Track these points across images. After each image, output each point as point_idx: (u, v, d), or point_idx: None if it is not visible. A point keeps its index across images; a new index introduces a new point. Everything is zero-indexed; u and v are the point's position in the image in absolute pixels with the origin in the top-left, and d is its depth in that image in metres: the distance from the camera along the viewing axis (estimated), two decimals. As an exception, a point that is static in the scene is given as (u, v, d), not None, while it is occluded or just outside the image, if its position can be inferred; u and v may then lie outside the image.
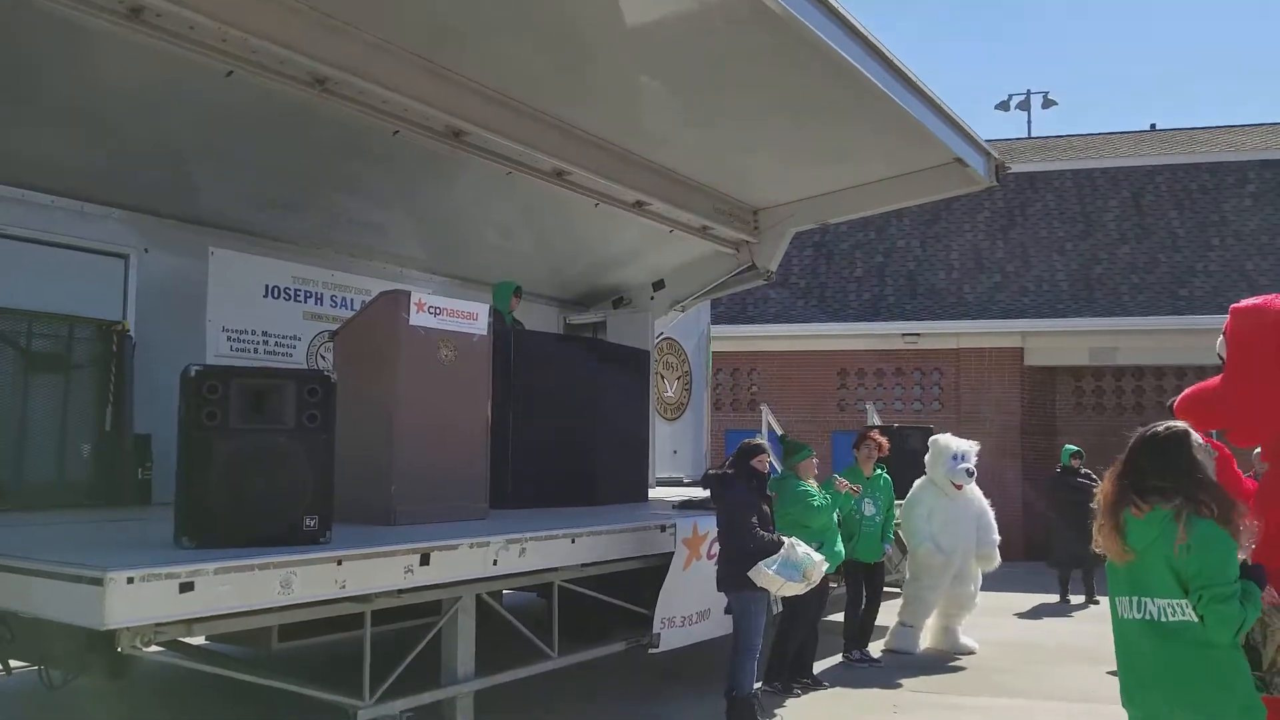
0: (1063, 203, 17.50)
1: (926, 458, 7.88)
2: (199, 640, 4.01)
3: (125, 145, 5.99)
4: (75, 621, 3.19)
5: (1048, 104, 25.24)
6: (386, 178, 7.12)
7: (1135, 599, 2.69)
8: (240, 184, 6.74)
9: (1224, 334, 3.15)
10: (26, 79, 5.26)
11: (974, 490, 7.92)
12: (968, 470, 7.76)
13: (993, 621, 9.05)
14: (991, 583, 11.43)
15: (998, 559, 7.97)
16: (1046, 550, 11.42)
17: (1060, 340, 15.79)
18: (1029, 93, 25.34)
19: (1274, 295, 3.17)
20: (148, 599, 3.14)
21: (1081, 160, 18.20)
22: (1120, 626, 2.76)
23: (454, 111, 6.38)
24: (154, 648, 3.58)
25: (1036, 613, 10.06)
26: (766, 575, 5.17)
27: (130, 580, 3.09)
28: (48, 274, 6.05)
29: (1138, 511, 2.67)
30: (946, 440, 7.87)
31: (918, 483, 7.85)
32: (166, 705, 5.79)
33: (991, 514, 8.04)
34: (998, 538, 7.98)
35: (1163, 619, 2.64)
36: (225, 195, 6.79)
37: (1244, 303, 3.20)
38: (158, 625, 3.30)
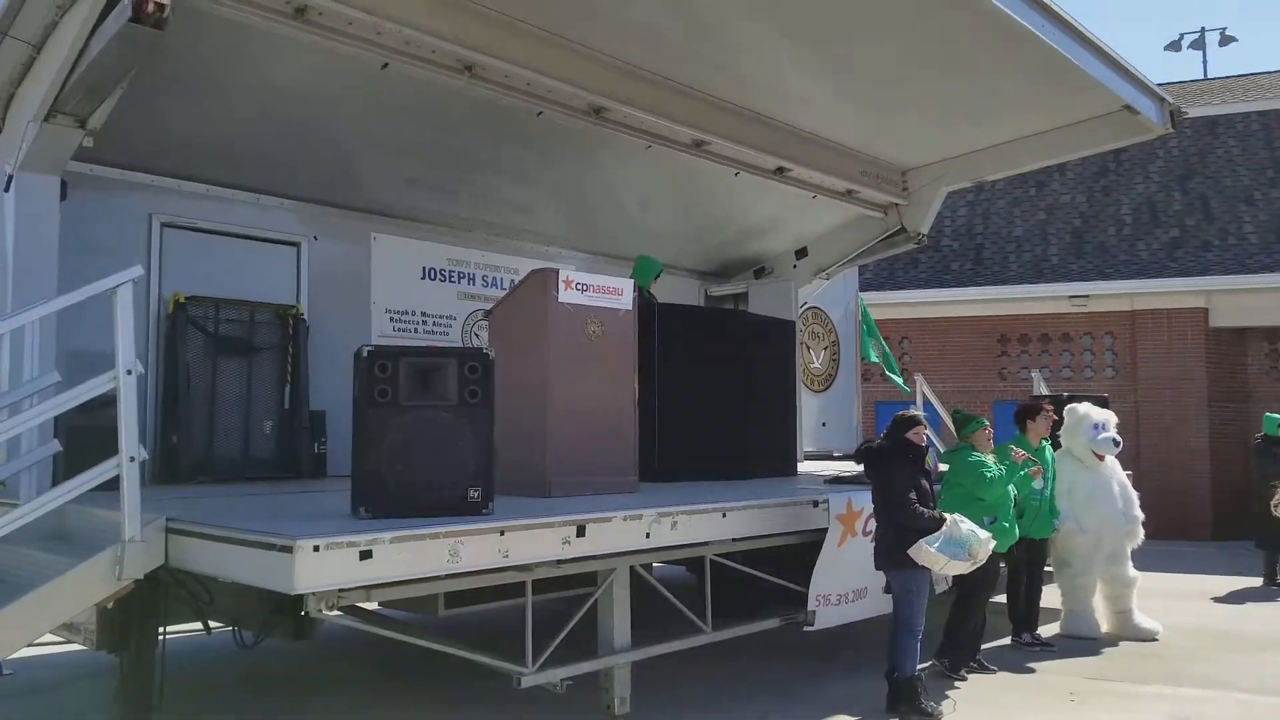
0: (1248, 148, 15.93)
1: (1063, 428, 7.34)
2: (373, 606, 4.26)
3: (294, 138, 6.38)
4: (268, 586, 3.43)
5: (1225, 41, 23.05)
6: (532, 158, 7.29)
7: None
8: (398, 171, 7.07)
9: None
10: (206, 81, 5.67)
11: (1113, 461, 7.35)
12: (1114, 440, 7.21)
13: (1183, 606, 8.38)
14: (1181, 564, 10.69)
15: (1141, 534, 7.41)
16: (1252, 528, 10.46)
17: (1251, 299, 14.38)
18: (1203, 30, 23.17)
19: None
20: (332, 566, 3.36)
21: (1268, 100, 16.46)
22: None
23: (594, 89, 6.45)
24: (335, 612, 3.83)
25: (1235, 597, 9.22)
26: (929, 553, 4.97)
27: (317, 549, 3.32)
28: (230, 263, 6.56)
29: None
30: (1086, 409, 7.33)
31: (1056, 456, 7.18)
32: (345, 666, 6.21)
33: (1131, 486, 7.46)
34: (1140, 513, 7.40)
35: None
36: (384, 183, 7.14)
37: None
38: (341, 590, 3.53)
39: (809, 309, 10.18)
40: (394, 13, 5.37)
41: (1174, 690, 5.76)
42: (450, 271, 7.70)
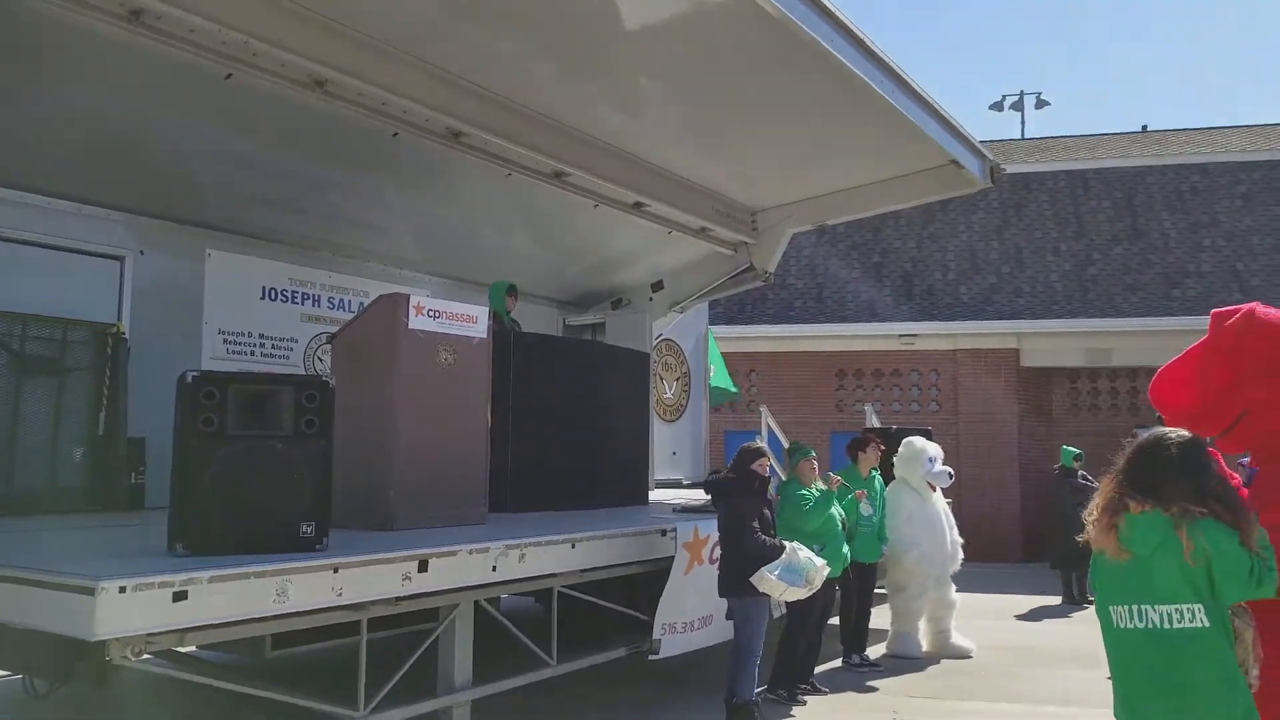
0: (1056, 204, 17.54)
1: (897, 460, 7.83)
2: (190, 647, 3.97)
3: (123, 147, 5.95)
4: (64, 632, 3.12)
5: (1041, 104, 25.30)
6: (386, 179, 7.10)
7: (1134, 607, 2.62)
8: (239, 186, 6.70)
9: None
10: (23, 81, 5.21)
11: (938, 491, 7.91)
12: (948, 473, 7.75)
13: (992, 624, 9.04)
14: (991, 584, 11.48)
15: (961, 558, 8.01)
16: (1048, 551, 11.42)
17: (1055, 341, 15.82)
18: (1022, 93, 25.46)
19: (1256, 304, 3.19)
20: (140, 609, 3.09)
21: (1075, 161, 18.23)
22: (1116, 637, 2.69)
23: (453, 113, 6.36)
24: (145, 656, 3.54)
25: (1035, 615, 10.05)
26: (769, 580, 5.14)
27: (123, 589, 3.04)
28: (42, 276, 6.00)
29: (1136, 509, 2.63)
30: (922, 443, 7.87)
31: (891, 487, 7.74)
32: (154, 715, 5.73)
33: (950, 513, 8.05)
34: (960, 539, 8.01)
35: (1165, 626, 2.58)
36: (223, 197, 6.75)
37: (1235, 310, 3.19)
38: (149, 635, 3.25)
39: (662, 340, 10.38)
40: (239, 22, 5.11)
41: (989, 706, 6.18)
42: (293, 292, 7.34)
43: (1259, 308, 3.14)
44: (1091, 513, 2.74)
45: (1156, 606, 2.59)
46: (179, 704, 5.66)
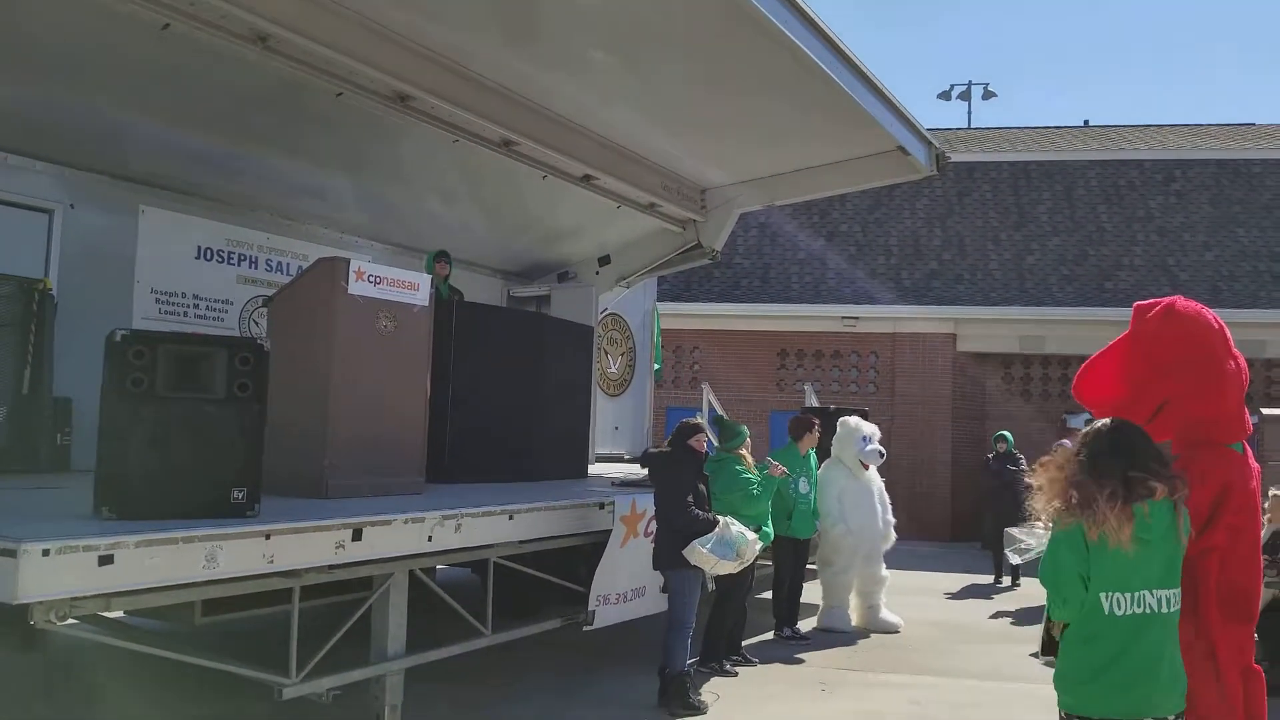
0: (998, 194, 17.90)
1: (835, 439, 8.01)
2: (118, 613, 3.90)
3: (54, 95, 5.72)
4: (-15, 594, 3.05)
5: (988, 95, 25.68)
6: (329, 140, 6.93)
7: (1134, 594, 2.63)
8: (176, 141, 6.49)
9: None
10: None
11: (873, 469, 8.11)
12: (879, 451, 7.94)
13: (922, 601, 9.30)
14: (921, 562, 11.81)
15: (893, 537, 8.23)
16: (980, 532, 11.77)
17: (992, 328, 16.23)
18: (970, 83, 25.77)
19: (1177, 298, 3.31)
20: (64, 572, 3.04)
21: (1018, 153, 18.60)
22: (1112, 623, 2.65)
23: (401, 75, 6.23)
24: (70, 621, 3.47)
25: (968, 593, 10.36)
26: (701, 554, 5.22)
27: (46, 552, 2.99)
28: (-38, 227, 5.77)
29: (1151, 499, 2.63)
30: (857, 422, 8.06)
31: (825, 464, 7.96)
32: (82, 681, 5.62)
33: (885, 492, 8.25)
34: (893, 518, 8.23)
35: (1162, 610, 2.65)
36: (159, 152, 6.53)
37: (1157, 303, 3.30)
38: (74, 600, 3.20)
39: (609, 315, 10.38)
40: (177, -29, 4.95)
41: (913, 679, 6.39)
42: (229, 253, 7.16)
43: (1179, 301, 3.26)
44: (1092, 499, 2.66)
45: (1155, 591, 2.64)
46: (108, 669, 5.57)
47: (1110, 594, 2.65)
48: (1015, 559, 7.98)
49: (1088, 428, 2.92)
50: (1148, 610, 2.63)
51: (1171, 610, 2.67)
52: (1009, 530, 8.06)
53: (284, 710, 4.27)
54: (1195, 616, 3.01)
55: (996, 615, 9.00)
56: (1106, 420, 2.88)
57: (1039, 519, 2.89)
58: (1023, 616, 8.75)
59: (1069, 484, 2.74)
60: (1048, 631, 3.04)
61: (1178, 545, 2.69)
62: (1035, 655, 6.51)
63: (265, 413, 3.86)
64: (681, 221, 9.40)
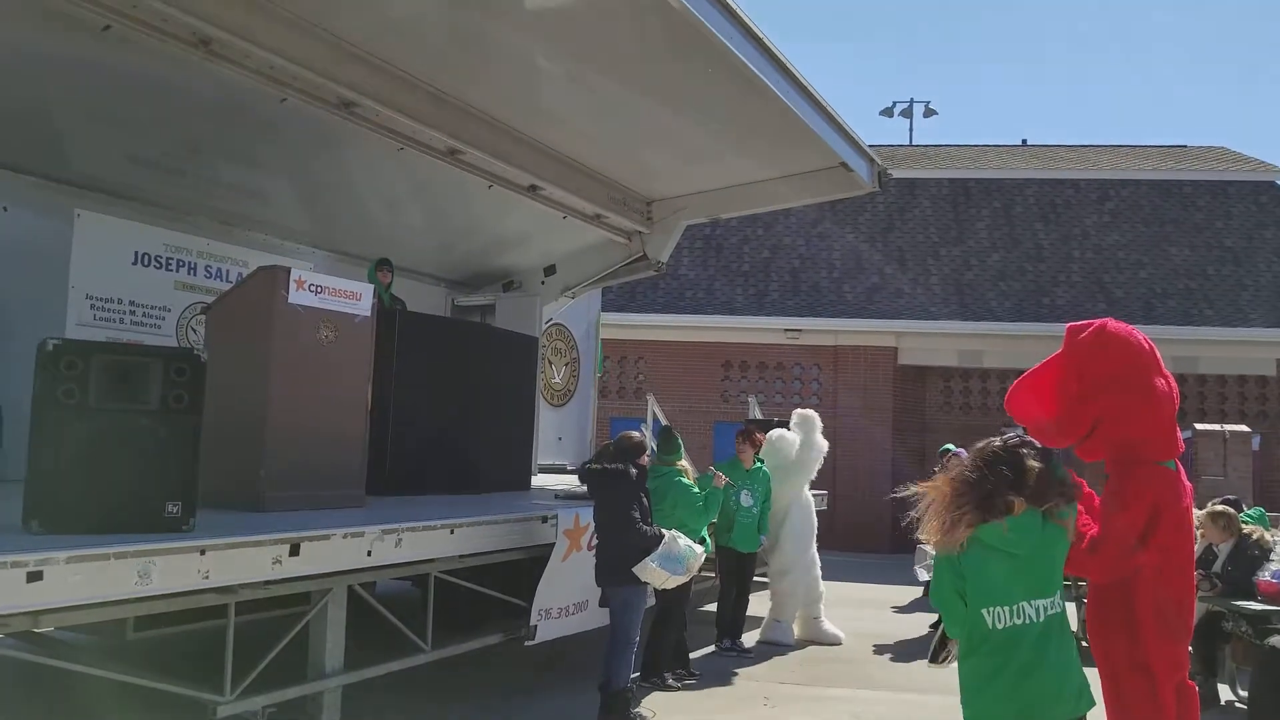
0: (939, 210, 18.34)
1: (787, 447, 8.13)
2: (49, 628, 3.80)
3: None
4: (-95, 611, 2.96)
5: (929, 113, 26.25)
6: (271, 146, 6.84)
7: (1014, 606, 2.72)
8: (113, 144, 6.35)
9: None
10: None
11: None
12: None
13: (865, 613, 9.41)
14: (861, 574, 11.96)
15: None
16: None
17: (931, 341, 16.62)
18: (912, 101, 26.34)
19: (1108, 319, 3.42)
20: (-10, 588, 2.95)
21: (958, 170, 19.09)
22: (992, 635, 2.73)
23: (345, 82, 6.18)
24: (-3, 636, 3.38)
25: (910, 607, 10.48)
26: (652, 570, 5.23)
27: (-30, 568, 2.90)
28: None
29: (1016, 510, 2.74)
30: (789, 434, 8.19)
31: (774, 471, 8.01)
32: (10, 699, 5.44)
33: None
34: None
35: (1040, 618, 2.73)
36: (96, 155, 6.39)
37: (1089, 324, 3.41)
38: (1, 617, 3.11)
39: (553, 325, 10.38)
40: (116, -28, 4.86)
41: (854, 693, 6.48)
42: (168, 259, 6.99)
43: (1110, 323, 3.37)
44: (948, 516, 2.78)
45: (1038, 599, 2.74)
46: (38, 686, 5.40)
47: (991, 608, 2.75)
48: (923, 575, 8.18)
49: (974, 447, 2.99)
50: (1027, 620, 2.72)
51: (1047, 616, 2.75)
52: (921, 546, 8.24)
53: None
54: (1130, 634, 3.10)
55: (937, 625, 9.14)
56: (1009, 435, 2.98)
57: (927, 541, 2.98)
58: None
59: (940, 501, 2.87)
60: (941, 640, 3.15)
61: (1053, 554, 2.79)
62: (927, 663, 6.69)
63: (201, 425, 3.80)
64: (627, 233, 9.46)
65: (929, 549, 3.25)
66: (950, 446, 11.63)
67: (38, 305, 6.09)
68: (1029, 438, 3.03)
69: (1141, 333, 3.37)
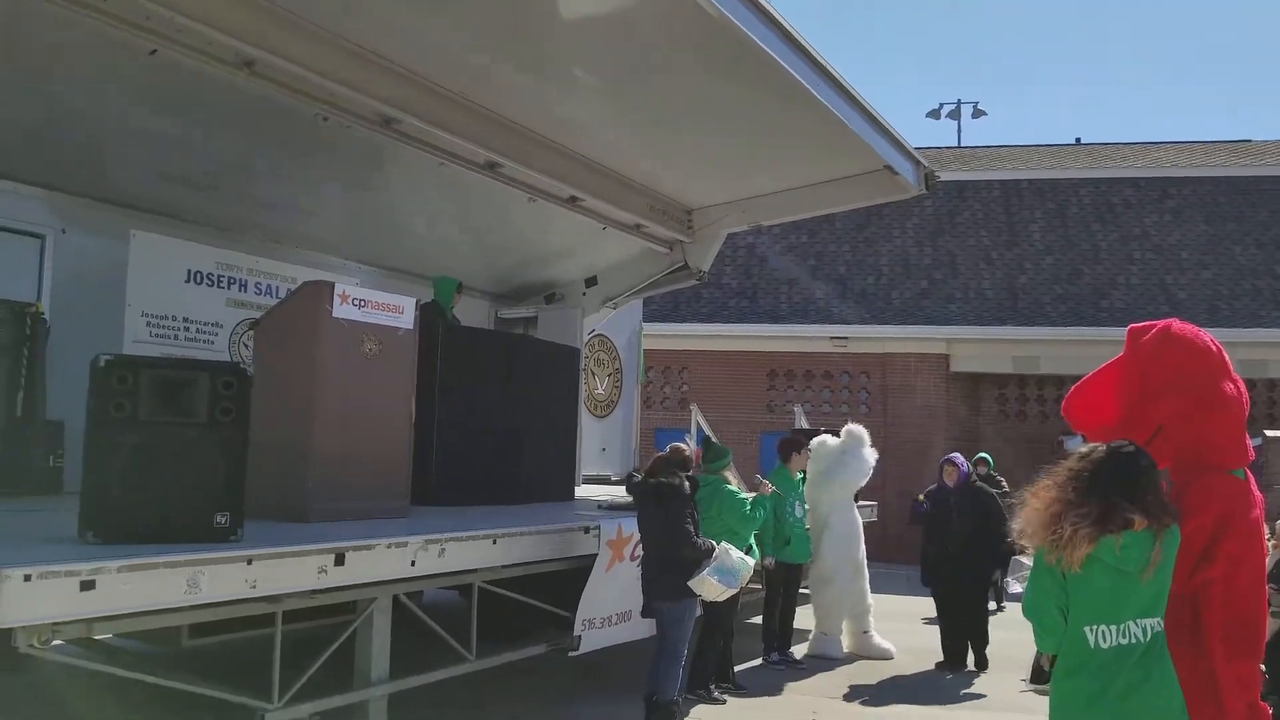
0: (990, 212, 18.00)
1: (827, 457, 8.04)
2: (106, 636, 3.90)
3: (45, 121, 5.79)
4: (-33, 619, 3.06)
5: (977, 114, 25.88)
6: (316, 164, 7.00)
7: (1120, 626, 2.60)
8: (164, 165, 6.56)
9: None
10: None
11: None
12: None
13: (916, 627, 9.19)
14: (916, 588, 11.67)
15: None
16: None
17: (985, 348, 16.26)
18: (959, 102, 26.06)
19: (1173, 320, 3.28)
20: (46, 597, 3.04)
21: (1009, 171, 18.72)
22: (1097, 655, 2.60)
23: (386, 99, 6.29)
24: (54, 644, 3.48)
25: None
26: (708, 583, 5.16)
27: (28, 578, 2.99)
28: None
29: (1136, 527, 2.57)
30: (833, 441, 8.09)
31: (812, 482, 7.92)
32: (67, 705, 5.59)
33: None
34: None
35: (1146, 638, 2.61)
36: (149, 176, 6.60)
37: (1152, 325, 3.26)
38: (56, 624, 3.21)
39: (595, 336, 10.41)
40: (164, -3, 5.01)
41: (907, 709, 6.33)
42: (219, 276, 7.20)
43: (1175, 323, 3.19)
44: (1067, 528, 2.61)
45: (1141, 620, 2.60)
46: (94, 692, 5.55)
47: (1095, 626, 2.60)
48: (1015, 586, 7.97)
49: (1085, 447, 2.83)
50: (1133, 640, 2.59)
51: (1153, 634, 2.62)
52: (1017, 557, 8.03)
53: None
54: (1197, 651, 2.93)
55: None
56: (1120, 442, 2.80)
57: (1025, 546, 2.82)
58: (1012, 644, 8.70)
59: (1048, 509, 2.68)
60: (1038, 660, 3.00)
61: (1162, 576, 2.63)
62: (1024, 681, 6.49)
63: (248, 437, 3.88)
64: (668, 242, 9.45)
65: (1026, 560, 3.13)
66: (985, 455, 11.39)
67: (97, 323, 6.30)
68: (1138, 446, 2.86)
69: (1209, 334, 3.21)
